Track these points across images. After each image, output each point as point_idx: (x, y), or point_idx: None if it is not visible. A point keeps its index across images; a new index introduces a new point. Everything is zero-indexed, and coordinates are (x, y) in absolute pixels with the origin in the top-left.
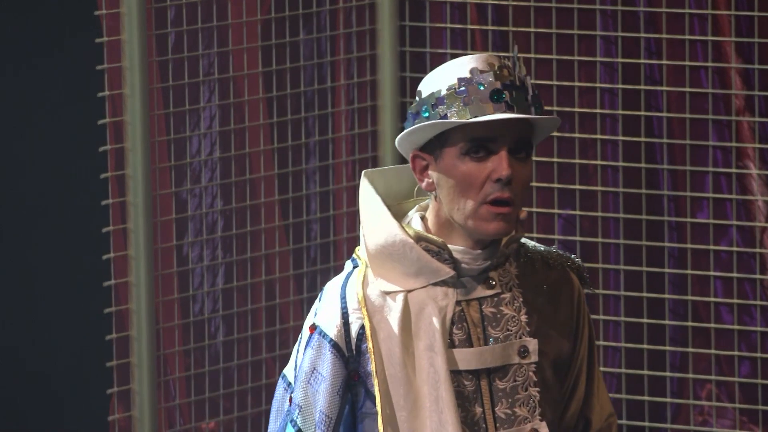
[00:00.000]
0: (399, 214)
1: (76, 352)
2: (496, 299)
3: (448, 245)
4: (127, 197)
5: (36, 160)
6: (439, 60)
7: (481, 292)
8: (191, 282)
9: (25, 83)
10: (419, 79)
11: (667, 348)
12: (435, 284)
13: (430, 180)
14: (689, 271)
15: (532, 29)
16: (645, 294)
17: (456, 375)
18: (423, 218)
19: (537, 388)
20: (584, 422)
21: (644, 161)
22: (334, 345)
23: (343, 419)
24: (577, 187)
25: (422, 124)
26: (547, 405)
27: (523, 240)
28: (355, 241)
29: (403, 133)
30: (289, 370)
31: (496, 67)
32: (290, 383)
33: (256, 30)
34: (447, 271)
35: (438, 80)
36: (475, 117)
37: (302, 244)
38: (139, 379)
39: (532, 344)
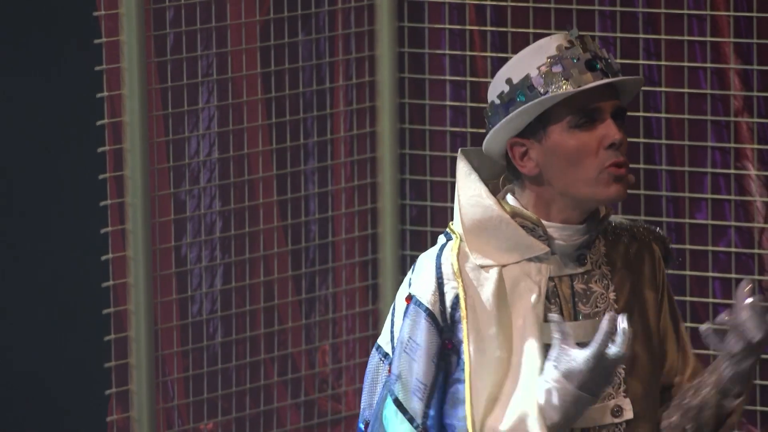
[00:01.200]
0: (495, 191)
1: (74, 352)
2: (586, 276)
3: (544, 221)
4: (126, 198)
5: (34, 161)
6: (437, 61)
7: (573, 268)
8: (190, 283)
9: (23, 84)
10: (418, 80)
11: None
12: (529, 260)
13: (533, 163)
14: (688, 272)
15: (530, 30)
16: None
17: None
18: (517, 198)
19: (622, 365)
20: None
21: (643, 162)
22: (429, 313)
23: (438, 387)
24: None
25: (531, 103)
26: (635, 380)
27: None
28: (353, 242)
29: (500, 123)
30: (383, 341)
31: (577, 41)
32: (387, 354)
33: (254, 31)
34: (541, 248)
35: (523, 67)
36: (580, 87)
37: (301, 245)
38: (138, 379)
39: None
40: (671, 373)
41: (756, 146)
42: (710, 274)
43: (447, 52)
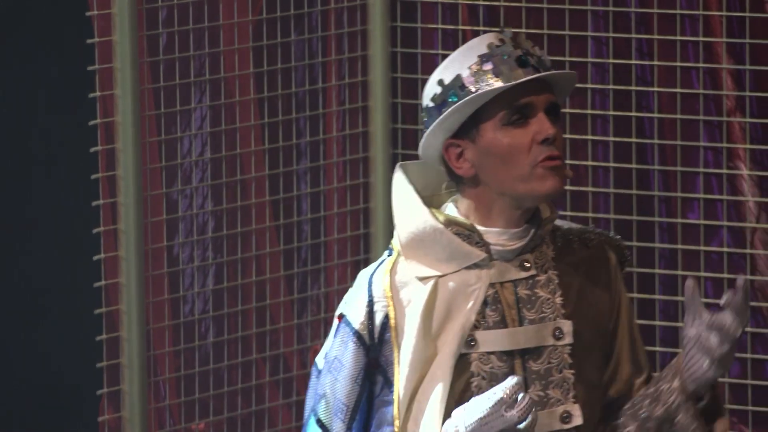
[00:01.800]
0: (437, 205)
1: (66, 352)
2: (531, 281)
3: (481, 227)
4: (118, 198)
5: (27, 161)
6: (430, 61)
7: (516, 274)
8: (182, 283)
9: (16, 84)
10: (411, 80)
11: (658, 349)
12: (468, 268)
13: (469, 164)
14: (680, 272)
15: (523, 30)
16: (635, 294)
17: (489, 356)
18: (457, 206)
19: (572, 371)
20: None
21: (635, 162)
22: (356, 333)
23: (360, 409)
24: (568, 188)
25: (461, 101)
26: (583, 386)
27: (557, 222)
28: (345, 242)
29: (433, 125)
30: (319, 358)
31: (508, 39)
32: (321, 371)
33: (247, 31)
34: (478, 254)
35: (454, 67)
36: (510, 83)
37: (293, 245)
38: (130, 379)
39: (567, 326)
40: (624, 385)
41: (748, 146)
42: (702, 273)
43: (440, 52)
